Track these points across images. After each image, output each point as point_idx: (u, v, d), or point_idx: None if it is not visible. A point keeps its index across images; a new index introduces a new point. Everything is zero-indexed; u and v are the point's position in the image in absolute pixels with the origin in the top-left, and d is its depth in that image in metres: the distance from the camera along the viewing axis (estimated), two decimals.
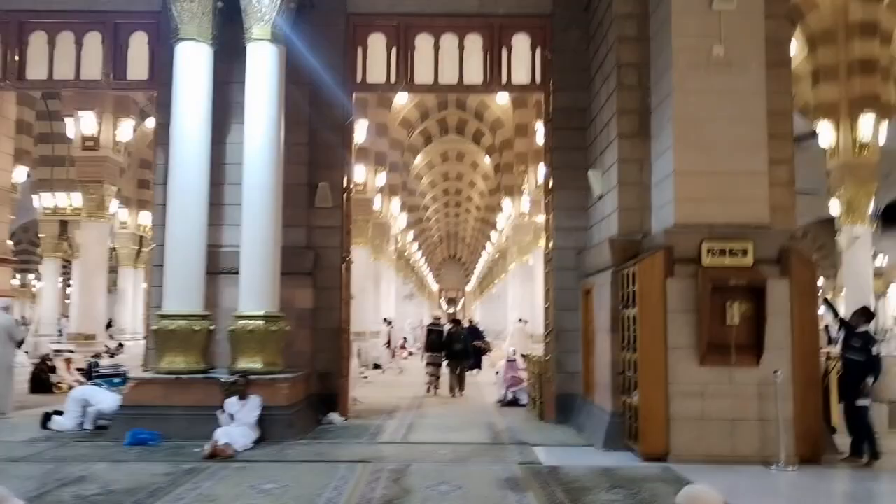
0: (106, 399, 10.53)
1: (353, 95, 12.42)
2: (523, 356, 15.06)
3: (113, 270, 28.74)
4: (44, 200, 22.27)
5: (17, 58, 12.04)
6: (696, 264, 8.54)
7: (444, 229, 54.52)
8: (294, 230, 11.42)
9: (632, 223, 9.83)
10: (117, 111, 18.49)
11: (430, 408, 13.72)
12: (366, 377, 19.31)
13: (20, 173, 17.46)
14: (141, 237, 25.65)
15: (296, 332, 11.01)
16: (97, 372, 13.63)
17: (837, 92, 15.99)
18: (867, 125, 15.62)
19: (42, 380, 15.23)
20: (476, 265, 52.83)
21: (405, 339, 31.65)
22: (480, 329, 24.82)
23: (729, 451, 8.30)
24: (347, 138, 12.18)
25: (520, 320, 23.63)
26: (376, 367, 22.32)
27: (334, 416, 11.32)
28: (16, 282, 41.28)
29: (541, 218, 13.03)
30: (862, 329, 8.89)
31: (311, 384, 11.30)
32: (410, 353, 29.06)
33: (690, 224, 8.67)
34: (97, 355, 15.99)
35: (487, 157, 29.62)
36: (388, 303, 29.95)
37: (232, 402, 9.49)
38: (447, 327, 17.55)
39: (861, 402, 8.61)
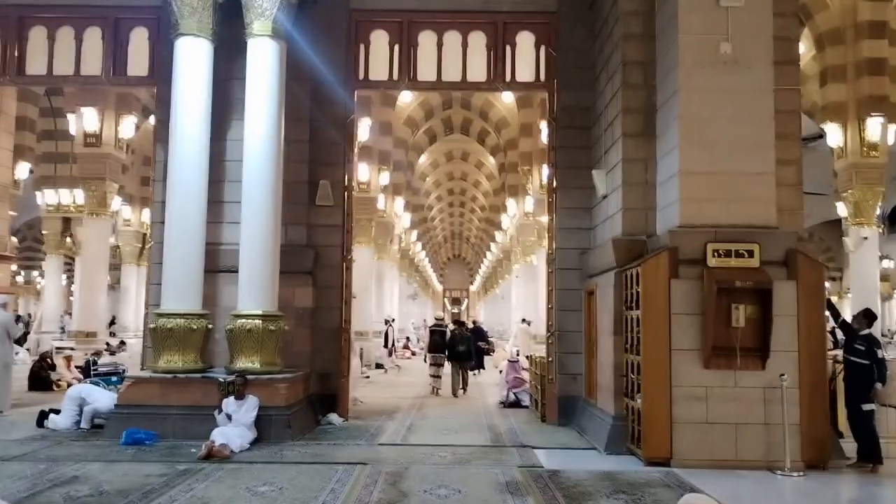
0: (102, 398, 10.43)
1: (355, 92, 12.28)
2: (527, 357, 14.93)
3: (117, 268, 28.79)
4: (47, 197, 22.19)
5: (16, 53, 11.96)
6: (702, 265, 8.41)
7: (449, 229, 54.33)
8: (294, 228, 11.33)
9: (636, 223, 9.70)
10: (119, 108, 18.40)
11: (431, 408, 13.59)
12: (367, 377, 19.21)
13: (22, 170, 17.38)
14: (144, 235, 25.62)
15: (295, 332, 10.91)
16: (95, 370, 13.52)
17: (845, 92, 15.87)
18: (875, 126, 15.47)
19: (41, 377, 15.14)
20: (480, 265, 52.68)
21: (408, 338, 31.61)
22: (484, 329, 24.75)
23: (733, 456, 8.17)
24: (349, 136, 12.05)
25: (523, 321, 23.49)
26: (378, 366, 22.20)
27: (334, 417, 11.19)
28: (20, 279, 41.39)
29: (545, 218, 12.90)
30: (865, 332, 8.75)
31: (310, 384, 11.19)
32: (413, 353, 28.97)
33: (696, 224, 8.55)
34: (97, 353, 15.89)
35: (492, 156, 29.49)
36: (391, 302, 29.82)
37: (229, 402, 9.37)
38: (450, 328, 17.43)
39: (867, 407, 8.48)
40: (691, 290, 8.41)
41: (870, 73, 15.58)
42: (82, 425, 10.26)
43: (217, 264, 10.69)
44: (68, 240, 24.13)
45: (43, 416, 10.41)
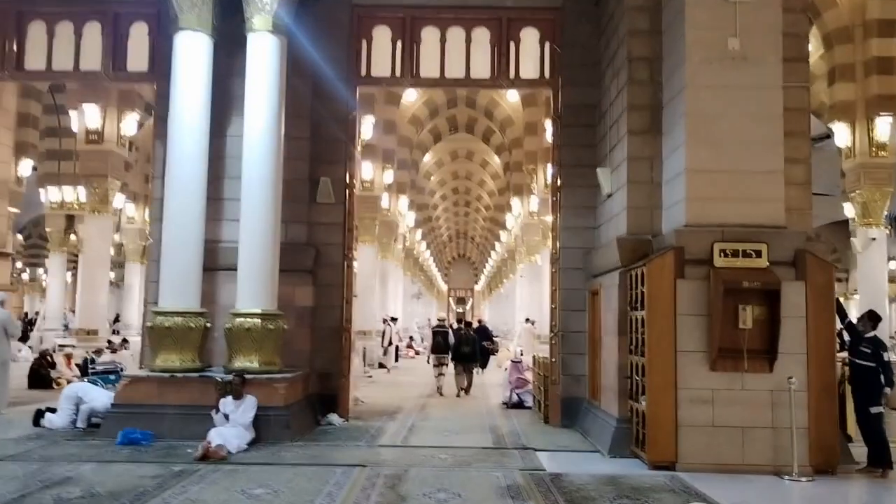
0: (99, 396, 10.31)
1: (357, 89, 12.15)
2: (532, 357, 14.77)
3: (121, 266, 28.70)
4: (50, 195, 22.10)
5: (15, 48, 11.86)
6: (708, 265, 8.25)
7: (454, 228, 54.19)
8: (295, 226, 11.21)
9: (641, 222, 9.54)
10: (122, 105, 18.28)
11: (433, 409, 13.45)
12: (370, 376, 19.08)
13: (26, 167, 17.29)
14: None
15: (295, 331, 10.77)
16: (93, 368, 13.40)
17: (854, 91, 15.65)
18: (884, 126, 15.27)
19: (41, 375, 15.07)
20: (485, 265, 52.53)
21: (411, 338, 31.49)
22: (489, 329, 24.59)
23: (740, 460, 8.01)
24: (351, 132, 11.90)
25: (527, 320, 23.33)
26: (381, 366, 22.06)
27: (334, 417, 11.05)
28: (26, 276, 41.38)
29: (550, 218, 12.76)
30: (870, 334, 8.58)
31: (310, 384, 11.06)
32: (417, 353, 28.87)
33: (702, 224, 8.38)
34: (98, 351, 15.78)
35: (497, 155, 29.35)
36: (395, 302, 29.71)
37: (227, 402, 9.24)
38: (455, 328, 17.25)
39: (875, 410, 8.32)
40: (697, 291, 8.25)
41: (879, 72, 15.34)
42: (78, 424, 10.16)
43: (216, 262, 10.57)
44: (72, 237, 24.06)
45: (39, 414, 10.31)
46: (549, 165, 14.31)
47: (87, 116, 17.85)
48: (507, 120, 24.86)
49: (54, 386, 14.64)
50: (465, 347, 16.32)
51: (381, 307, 25.31)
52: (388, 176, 22.72)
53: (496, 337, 27.58)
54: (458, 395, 15.68)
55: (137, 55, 11.76)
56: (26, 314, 35.22)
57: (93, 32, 11.78)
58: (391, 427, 11.04)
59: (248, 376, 9.52)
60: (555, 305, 11.75)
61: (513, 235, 30.85)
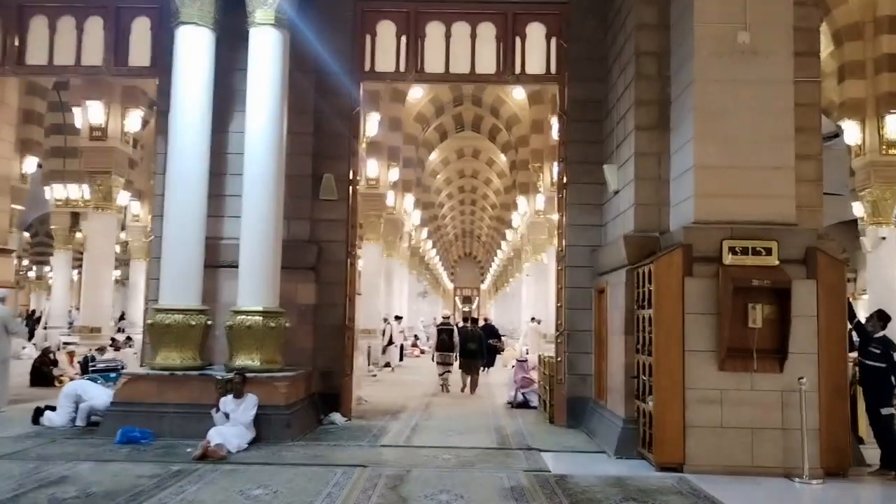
0: (99, 395, 10.21)
1: (361, 84, 12.02)
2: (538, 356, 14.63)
3: (126, 264, 28.65)
4: (55, 192, 22.04)
5: (16, 43, 11.80)
6: (717, 263, 8.09)
7: (460, 227, 54.07)
8: (297, 223, 11.09)
9: (649, 220, 9.39)
10: (126, 101, 18.13)
11: (438, 408, 13.31)
12: (374, 375, 18.97)
13: (31, 164, 17.22)
14: None
15: (297, 329, 10.66)
16: (93, 366, 13.29)
17: (864, 89, 15.47)
18: (894, 123, 15.07)
19: (43, 373, 14.99)
20: (491, 263, 52.38)
21: (416, 336, 31.38)
22: (496, 327, 24.46)
23: (749, 462, 7.85)
24: (355, 128, 11.78)
25: (533, 319, 23.19)
26: (386, 365, 21.93)
27: (336, 417, 10.93)
28: (32, 274, 41.40)
29: (556, 216, 12.62)
30: (879, 334, 8.42)
31: (312, 383, 10.93)
32: (422, 352, 28.76)
33: (711, 221, 8.23)
34: (101, 349, 15.69)
35: (503, 153, 29.20)
36: (400, 300, 29.57)
37: (227, 401, 9.12)
38: (461, 326, 17.11)
39: (886, 411, 8.15)
40: (706, 289, 8.10)
41: (889, 70, 15.15)
42: (78, 423, 10.07)
43: (217, 259, 10.47)
44: (77, 235, 23.99)
45: (38, 412, 10.22)
46: (556, 162, 14.15)
47: (90, 113, 17.73)
48: (513, 118, 24.70)
49: (56, 384, 14.54)
50: (472, 344, 16.21)
51: (386, 306, 25.17)
52: (394, 174, 22.55)
53: (503, 335, 27.44)
54: (462, 391, 15.55)
55: (139, 50, 11.69)
56: (32, 311, 35.21)
57: (94, 27, 11.71)
58: (394, 427, 10.91)
59: (249, 375, 9.40)
60: (561, 304, 11.60)
61: (519, 234, 30.72)
